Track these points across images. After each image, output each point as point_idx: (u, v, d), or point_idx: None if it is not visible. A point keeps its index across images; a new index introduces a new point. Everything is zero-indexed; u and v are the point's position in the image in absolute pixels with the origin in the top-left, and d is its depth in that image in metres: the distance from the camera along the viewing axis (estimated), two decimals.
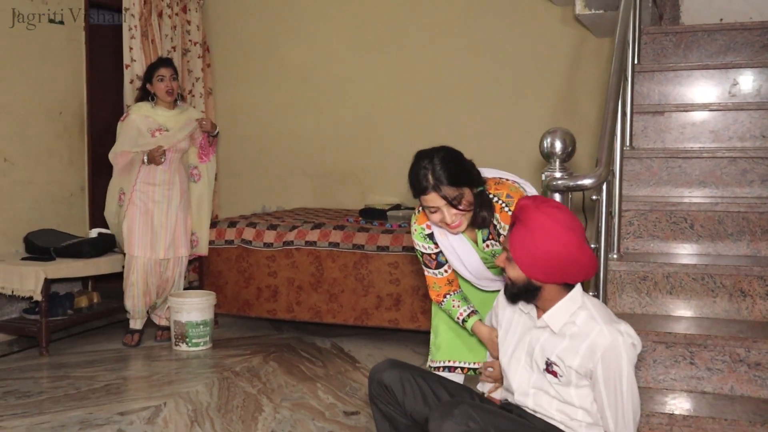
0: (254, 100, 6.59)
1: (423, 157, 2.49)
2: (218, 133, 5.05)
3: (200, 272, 5.28)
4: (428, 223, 2.68)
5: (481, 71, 5.85)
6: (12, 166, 4.95)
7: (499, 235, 2.59)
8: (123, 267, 4.84)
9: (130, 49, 5.60)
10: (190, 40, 6.32)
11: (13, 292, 4.55)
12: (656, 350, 2.87)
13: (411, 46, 6.04)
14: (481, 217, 2.56)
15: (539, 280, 2.17)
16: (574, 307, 2.19)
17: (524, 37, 5.72)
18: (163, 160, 4.68)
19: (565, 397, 2.20)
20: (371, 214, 5.25)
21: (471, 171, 2.53)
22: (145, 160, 4.67)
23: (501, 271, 2.55)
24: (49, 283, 4.55)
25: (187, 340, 4.68)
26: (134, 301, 4.76)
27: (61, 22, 5.31)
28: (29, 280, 4.50)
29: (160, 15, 5.91)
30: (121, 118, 4.81)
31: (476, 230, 2.63)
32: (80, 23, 5.47)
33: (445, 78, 5.92)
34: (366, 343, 4.88)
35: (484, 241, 2.64)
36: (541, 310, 2.25)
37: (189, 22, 6.30)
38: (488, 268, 2.73)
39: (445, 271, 2.77)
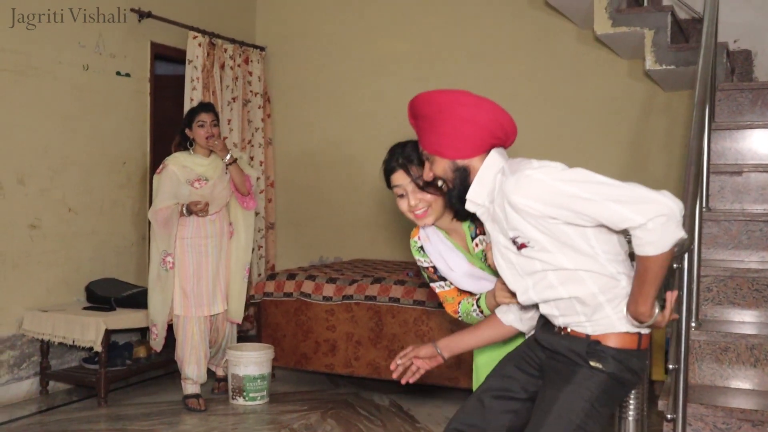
0: (314, 149, 6.60)
1: (396, 145, 2.48)
2: (235, 160, 4.59)
3: (257, 324, 5.24)
4: (420, 235, 2.57)
5: (548, 123, 5.75)
6: (76, 216, 5.01)
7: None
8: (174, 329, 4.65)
9: (192, 100, 5.68)
10: (251, 91, 6.38)
11: (74, 341, 4.56)
12: (741, 428, 2.71)
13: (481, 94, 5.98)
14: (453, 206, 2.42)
15: (461, 156, 2.11)
16: (492, 172, 2.10)
17: (592, 90, 5.61)
18: (203, 215, 4.52)
19: (554, 263, 2.03)
20: None
21: None
22: (185, 212, 4.50)
23: (489, 267, 2.41)
24: (109, 333, 4.55)
25: (245, 393, 4.62)
26: (198, 366, 4.61)
27: (128, 75, 5.39)
28: (90, 330, 4.50)
29: (222, 67, 5.99)
30: (158, 171, 4.58)
31: (463, 228, 2.49)
32: (146, 75, 5.55)
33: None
34: (425, 401, 4.76)
35: (473, 239, 2.50)
36: None
37: (251, 73, 6.37)
38: (478, 268, 2.53)
39: (451, 285, 2.61)
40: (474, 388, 2.74)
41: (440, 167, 2.15)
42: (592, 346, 2.06)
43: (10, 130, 4.60)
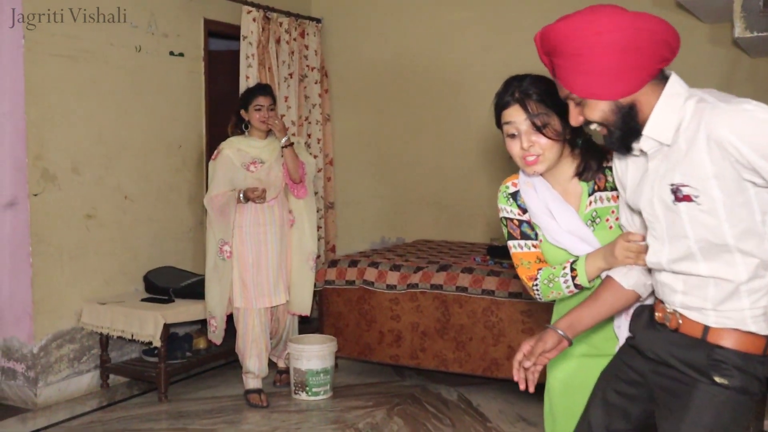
0: (373, 125, 6.33)
1: (513, 77, 2.16)
2: (292, 143, 4.40)
3: (319, 312, 5.05)
4: (515, 180, 2.27)
5: None
6: (132, 204, 4.86)
7: (607, 185, 2.13)
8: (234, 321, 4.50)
9: (247, 78, 5.46)
10: (307, 66, 6.13)
11: (132, 336, 4.43)
12: None
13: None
14: (586, 164, 2.14)
15: (626, 93, 1.72)
16: (680, 100, 1.71)
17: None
18: (260, 202, 4.34)
19: (713, 233, 1.68)
20: (500, 253, 4.86)
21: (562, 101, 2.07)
22: (242, 199, 4.31)
23: (600, 231, 2.10)
24: (167, 327, 4.42)
25: (307, 389, 4.45)
26: (259, 360, 4.45)
27: (181, 54, 5.19)
28: (148, 324, 4.37)
29: (278, 41, 5.75)
30: (213, 157, 4.41)
31: (579, 184, 2.17)
32: (200, 54, 5.34)
33: None
34: (495, 396, 4.52)
35: (589, 195, 2.15)
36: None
37: (307, 47, 6.12)
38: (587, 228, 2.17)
39: (534, 246, 2.25)
40: (546, 415, 2.41)
41: (597, 111, 1.76)
42: (712, 354, 1.73)
43: (63, 117, 4.45)
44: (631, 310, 2.07)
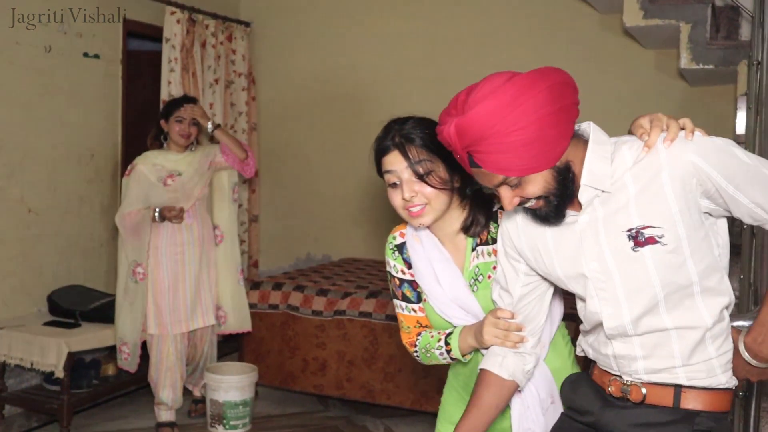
0: (302, 136, 6.06)
1: (394, 121, 1.96)
2: (219, 125, 4.18)
3: (240, 338, 4.75)
4: (403, 231, 2.07)
5: None
6: (37, 217, 4.46)
7: (489, 238, 1.96)
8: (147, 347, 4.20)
9: (169, 83, 5.13)
10: (234, 71, 5.81)
11: (32, 365, 4.05)
12: None
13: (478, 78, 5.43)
14: (474, 217, 1.95)
15: (561, 153, 1.55)
16: (608, 146, 1.61)
17: (612, 79, 5.09)
18: (177, 222, 4.07)
19: (678, 273, 1.56)
20: None
21: None
22: (157, 218, 4.04)
23: (481, 294, 1.94)
24: (72, 355, 4.05)
25: (225, 421, 4.16)
26: (173, 390, 4.16)
27: (97, 56, 4.81)
28: (50, 352, 4.00)
29: (203, 45, 5.42)
30: (126, 173, 4.14)
31: (464, 239, 1.99)
32: (117, 56, 4.97)
33: None
34: (424, 430, 4.31)
35: (472, 250, 1.98)
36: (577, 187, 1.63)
37: (234, 52, 5.80)
38: (469, 292, 1.98)
39: (413, 311, 2.07)
40: None
41: (538, 185, 1.58)
42: (694, 426, 1.60)
43: None
44: (528, 398, 1.92)
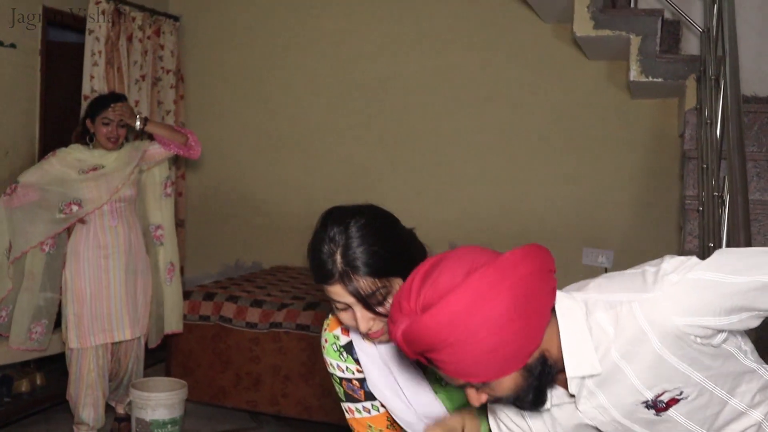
0: (232, 138, 5.79)
1: (334, 221, 1.55)
2: (146, 119, 3.97)
3: (168, 351, 4.47)
4: (344, 327, 1.75)
5: (501, 123, 5.16)
6: None
7: None
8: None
9: (92, 77, 4.80)
10: (162, 68, 5.51)
11: None
12: None
13: (432, 87, 5.29)
14: None
15: (533, 349, 1.32)
16: (581, 318, 1.36)
17: (554, 87, 5.04)
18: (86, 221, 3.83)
19: (721, 408, 1.43)
20: None
21: (406, 251, 1.57)
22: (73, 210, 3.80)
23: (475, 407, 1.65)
24: None
25: None
26: (95, 409, 3.87)
27: (13, 45, 4.45)
28: None
29: (129, 39, 5.10)
30: (45, 158, 3.93)
31: None
32: (36, 46, 4.62)
33: (454, 127, 5.23)
34: None
35: None
36: (562, 373, 1.41)
37: (162, 47, 5.49)
38: (437, 396, 1.75)
39: (382, 406, 1.78)
40: None
41: (507, 387, 1.36)
42: None
43: None
44: None
